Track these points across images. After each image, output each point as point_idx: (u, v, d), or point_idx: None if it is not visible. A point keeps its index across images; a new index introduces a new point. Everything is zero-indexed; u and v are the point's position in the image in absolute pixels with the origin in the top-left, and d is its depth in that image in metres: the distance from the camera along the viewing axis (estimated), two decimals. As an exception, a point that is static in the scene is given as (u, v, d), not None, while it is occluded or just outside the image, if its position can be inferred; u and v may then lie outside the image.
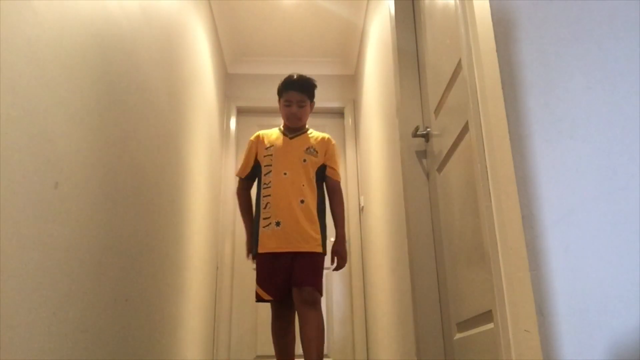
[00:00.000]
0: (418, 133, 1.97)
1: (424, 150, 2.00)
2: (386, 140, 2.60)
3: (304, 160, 2.14)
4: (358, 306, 3.52)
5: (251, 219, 2.19)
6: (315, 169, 2.16)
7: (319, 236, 2.06)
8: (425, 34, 2.02)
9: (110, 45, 1.47)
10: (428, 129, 1.95)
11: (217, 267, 3.49)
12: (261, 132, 2.28)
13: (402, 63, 2.14)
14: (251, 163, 2.23)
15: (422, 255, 1.89)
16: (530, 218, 1.01)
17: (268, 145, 2.20)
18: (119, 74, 1.54)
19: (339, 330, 3.52)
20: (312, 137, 2.24)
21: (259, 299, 2.05)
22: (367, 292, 3.46)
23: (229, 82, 4.03)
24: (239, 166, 2.29)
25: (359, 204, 3.71)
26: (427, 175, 1.98)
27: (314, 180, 2.15)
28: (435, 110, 1.86)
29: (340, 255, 2.12)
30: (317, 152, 2.18)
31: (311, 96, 2.25)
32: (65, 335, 1.15)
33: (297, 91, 2.20)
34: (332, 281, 3.61)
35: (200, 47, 2.91)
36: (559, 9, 1.15)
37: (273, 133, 2.26)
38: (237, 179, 2.29)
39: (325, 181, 2.22)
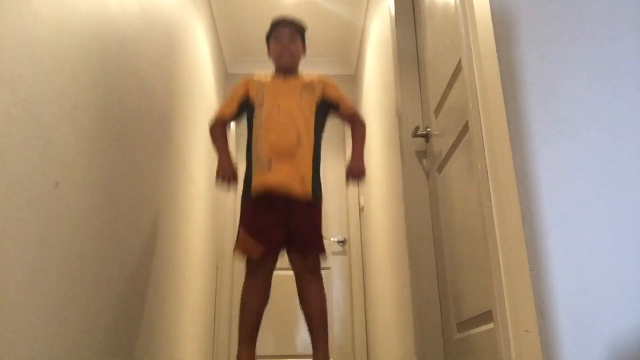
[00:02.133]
0: (418, 133, 1.97)
1: (424, 150, 2.00)
2: (386, 140, 2.60)
3: (301, 94, 1.94)
4: (358, 306, 3.52)
5: (226, 143, 1.95)
6: (314, 108, 1.95)
7: (310, 180, 1.82)
8: (425, 34, 2.02)
9: (110, 45, 1.47)
10: (428, 129, 1.95)
11: (217, 267, 3.49)
12: (254, 74, 2.07)
13: (402, 63, 2.14)
14: (237, 101, 1.98)
15: (422, 255, 1.89)
16: (530, 218, 1.01)
17: (261, 84, 1.99)
18: (119, 74, 1.54)
19: (339, 330, 3.52)
20: (307, 77, 2.05)
21: (247, 250, 1.77)
22: (367, 292, 3.45)
23: (229, 82, 4.02)
24: (219, 107, 2.02)
25: (359, 204, 3.71)
26: (427, 175, 1.98)
27: (312, 122, 1.92)
28: (435, 110, 1.86)
29: (360, 169, 1.89)
30: (313, 87, 1.99)
31: (303, 37, 2.08)
32: (65, 335, 1.15)
33: (288, 27, 2.04)
34: (332, 281, 3.61)
35: (200, 47, 2.91)
36: (559, 9, 1.15)
37: (266, 75, 2.05)
38: (214, 121, 1.99)
39: (342, 116, 2.03)
